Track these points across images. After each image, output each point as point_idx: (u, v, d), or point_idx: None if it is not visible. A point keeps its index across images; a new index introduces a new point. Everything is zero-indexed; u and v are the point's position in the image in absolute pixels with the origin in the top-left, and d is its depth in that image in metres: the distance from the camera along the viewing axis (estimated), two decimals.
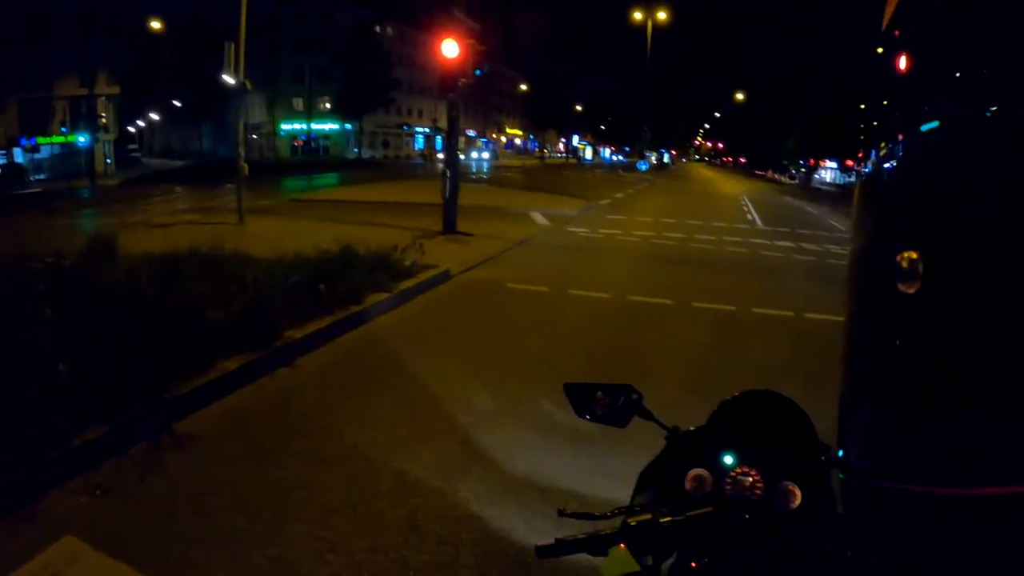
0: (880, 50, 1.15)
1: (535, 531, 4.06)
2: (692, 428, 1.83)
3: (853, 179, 75.48)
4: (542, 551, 1.52)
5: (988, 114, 0.95)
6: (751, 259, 17.36)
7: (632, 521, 1.52)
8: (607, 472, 4.68)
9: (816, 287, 14.20)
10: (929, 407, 0.99)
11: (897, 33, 1.13)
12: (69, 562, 2.83)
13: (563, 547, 1.51)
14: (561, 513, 1.68)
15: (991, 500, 0.91)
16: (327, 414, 5.57)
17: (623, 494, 4.58)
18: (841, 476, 1.28)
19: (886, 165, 1.13)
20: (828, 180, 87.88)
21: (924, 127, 1.05)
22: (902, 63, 1.07)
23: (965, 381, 0.94)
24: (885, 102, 1.17)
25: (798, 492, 1.63)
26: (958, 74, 0.98)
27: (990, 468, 0.91)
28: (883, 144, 1.14)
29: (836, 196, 60.87)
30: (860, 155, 1.27)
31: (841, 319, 9.41)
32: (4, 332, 5.18)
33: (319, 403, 5.83)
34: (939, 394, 0.97)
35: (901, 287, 0.98)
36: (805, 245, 21.20)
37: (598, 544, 1.52)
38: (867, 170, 1.14)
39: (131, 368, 5.02)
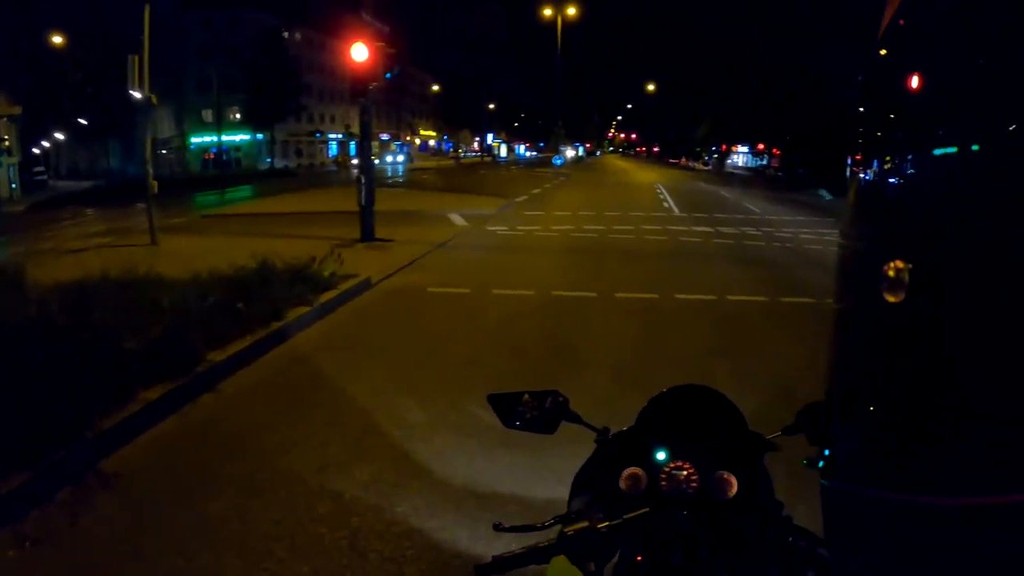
0: (882, 51, 1.13)
1: (478, 540, 4.04)
2: (623, 429, 1.81)
3: (765, 163, 77.87)
4: (481, 571, 1.50)
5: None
6: (670, 246, 17.64)
7: (569, 530, 1.50)
8: (545, 473, 4.68)
9: (736, 269, 14.53)
10: (915, 416, 0.98)
11: (898, 48, 1.12)
12: None
13: (502, 564, 1.49)
14: (497, 528, 1.64)
15: (979, 510, 0.90)
16: (256, 439, 5.40)
17: (562, 493, 4.61)
18: (824, 482, 1.27)
19: (891, 180, 1.12)
20: (740, 164, 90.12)
21: (937, 151, 1.03)
22: (914, 82, 1.05)
23: (952, 390, 0.93)
24: (892, 116, 1.15)
25: (734, 481, 1.63)
26: (977, 98, 0.97)
27: (977, 477, 0.91)
28: (888, 158, 1.13)
29: (748, 180, 62.54)
30: (859, 157, 1.24)
31: (762, 299, 9.69)
32: None
33: (247, 428, 5.65)
34: (925, 403, 0.96)
35: (887, 296, 0.97)
36: (722, 229, 21.66)
37: (539, 556, 1.51)
38: (866, 176, 1.13)
39: (49, 407, 4.78)
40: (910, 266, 0.95)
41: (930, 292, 0.94)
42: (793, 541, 1.49)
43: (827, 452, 1.32)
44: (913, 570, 1.00)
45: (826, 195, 42.33)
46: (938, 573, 0.97)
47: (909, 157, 1.10)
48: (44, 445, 4.55)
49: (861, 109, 1.29)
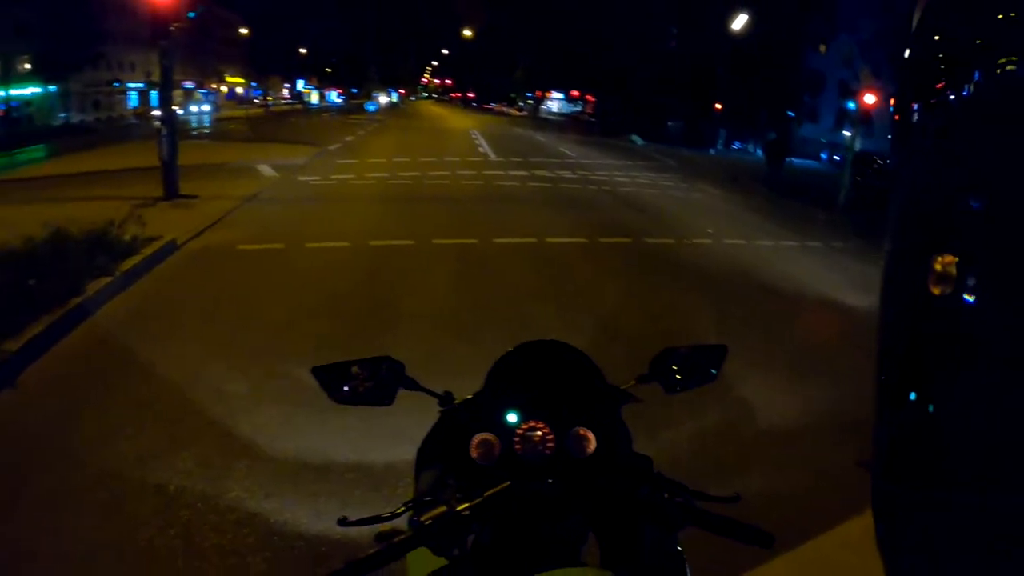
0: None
1: (320, 515, 3.89)
2: (469, 396, 1.72)
3: (580, 109, 79.52)
4: None
5: None
6: (487, 191, 17.77)
7: (426, 519, 1.38)
8: (381, 433, 4.58)
9: (553, 212, 14.84)
10: (963, 411, 0.95)
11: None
12: None
13: (357, 569, 1.34)
14: (342, 523, 1.49)
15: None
16: (64, 436, 4.86)
17: (402, 453, 4.53)
18: (880, 484, 1.22)
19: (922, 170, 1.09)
20: (555, 110, 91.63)
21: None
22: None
23: (999, 382, 0.91)
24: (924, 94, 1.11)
25: (591, 436, 1.58)
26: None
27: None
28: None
29: (563, 125, 63.77)
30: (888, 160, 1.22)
31: (581, 240, 10.00)
32: None
33: (52, 425, 5.03)
34: (973, 397, 0.94)
35: (934, 289, 0.93)
36: (538, 172, 22.02)
37: (395, 552, 1.36)
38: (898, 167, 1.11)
39: None
40: (959, 260, 0.93)
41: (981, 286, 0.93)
42: (668, 498, 1.43)
43: (882, 454, 1.28)
44: (981, 571, 0.99)
45: (639, 140, 43.86)
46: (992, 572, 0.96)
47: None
48: None
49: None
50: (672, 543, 1.57)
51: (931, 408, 1.10)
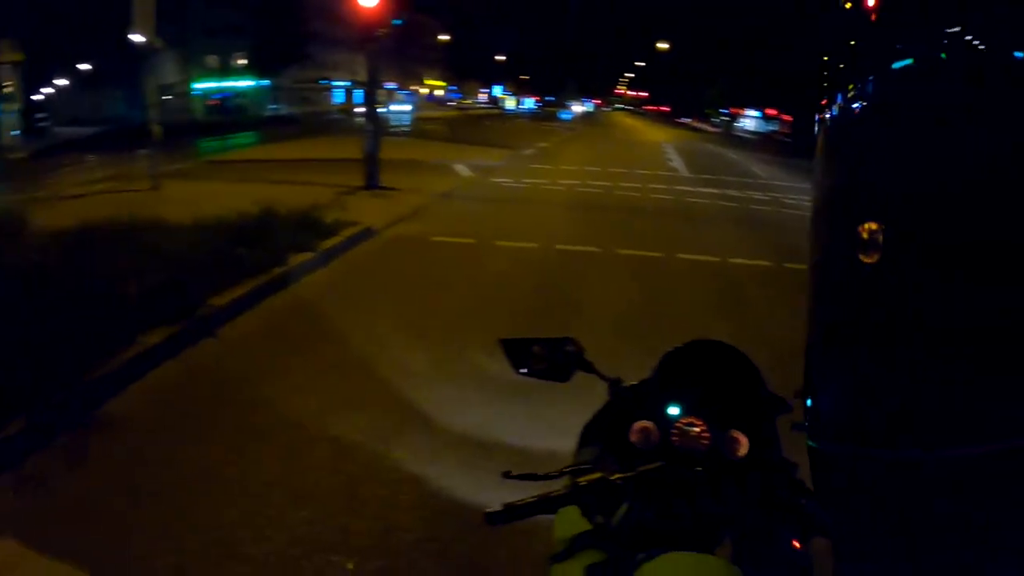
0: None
1: (477, 487, 4.01)
2: (636, 382, 1.79)
3: (775, 128, 77.35)
4: (492, 517, 1.46)
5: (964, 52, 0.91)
6: (676, 206, 17.55)
7: (582, 481, 1.48)
8: (546, 424, 4.66)
9: (740, 232, 14.46)
10: (888, 373, 0.97)
11: None
12: (7, 567, 2.66)
13: (513, 512, 1.46)
14: (506, 476, 1.61)
15: (955, 462, 0.89)
16: (255, 384, 5.37)
17: (563, 445, 4.58)
18: (810, 443, 1.25)
19: (854, 105, 1.09)
20: (750, 128, 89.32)
21: (896, 64, 1.01)
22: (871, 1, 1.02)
23: (926, 348, 0.92)
24: (852, 42, 1.12)
25: (744, 440, 1.61)
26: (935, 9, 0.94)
27: (953, 430, 0.89)
28: (851, 86, 1.10)
29: (757, 144, 62.01)
30: (824, 102, 1.20)
31: (765, 263, 9.68)
32: None
33: (246, 373, 5.62)
34: (898, 361, 0.94)
35: (862, 257, 0.95)
36: (729, 192, 21.53)
37: (549, 506, 1.48)
38: (833, 113, 1.10)
39: (48, 352, 4.73)
40: (883, 227, 0.93)
41: (904, 252, 0.93)
42: (804, 505, 1.46)
43: (809, 414, 1.31)
44: (898, 523, 1.00)
45: None
46: (922, 524, 0.97)
47: (872, 79, 1.07)
48: (43, 390, 4.51)
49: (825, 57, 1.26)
50: (804, 551, 1.58)
51: (859, 372, 1.08)
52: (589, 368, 1.83)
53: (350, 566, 3.40)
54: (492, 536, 3.60)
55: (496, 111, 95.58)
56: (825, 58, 1.23)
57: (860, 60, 1.11)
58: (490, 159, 24.59)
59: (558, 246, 11.15)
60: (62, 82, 64.90)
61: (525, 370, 1.86)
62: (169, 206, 10.71)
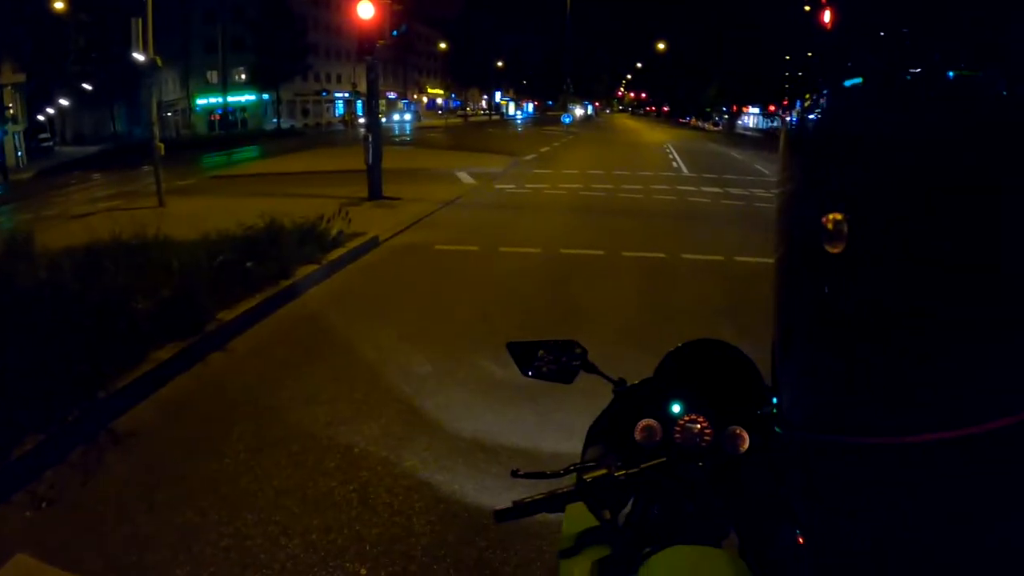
0: (807, 7, 1.14)
1: (486, 492, 4.11)
2: (638, 381, 1.84)
3: (776, 124, 77.14)
4: (501, 515, 1.52)
5: (910, 73, 0.96)
6: (679, 206, 17.55)
7: (588, 477, 1.53)
8: (553, 427, 4.76)
9: (745, 231, 14.44)
10: (854, 360, 1.01)
11: None
12: None
13: (521, 510, 1.51)
14: (515, 474, 1.66)
15: (923, 447, 0.93)
16: (266, 395, 5.46)
17: (570, 447, 4.61)
18: (777, 430, 1.30)
19: (810, 117, 1.13)
20: (751, 126, 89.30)
21: (847, 82, 1.05)
22: (826, 17, 1.06)
23: (890, 334, 0.96)
24: (810, 54, 1.16)
25: (746, 436, 1.65)
26: (882, 31, 0.98)
27: (921, 415, 0.93)
28: (807, 96, 1.14)
29: (759, 141, 61.91)
30: (785, 103, 1.22)
31: (771, 261, 9.59)
32: None
33: (257, 385, 5.70)
34: (864, 348, 0.98)
35: (827, 247, 0.99)
36: (732, 190, 21.52)
37: (556, 503, 1.53)
38: (793, 120, 1.14)
39: (62, 369, 4.81)
40: (848, 217, 0.97)
41: (868, 242, 0.97)
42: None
43: (776, 401, 1.35)
44: (871, 514, 1.03)
45: None
46: (894, 514, 1.00)
47: (827, 93, 1.12)
48: (57, 406, 4.58)
49: (787, 57, 1.29)
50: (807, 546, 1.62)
51: (822, 362, 1.11)
52: (593, 369, 1.88)
53: (364, 572, 3.45)
54: (502, 539, 3.67)
55: (497, 117, 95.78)
56: (786, 57, 1.27)
57: (817, 70, 1.16)
58: (492, 166, 24.65)
59: (562, 250, 11.18)
60: (64, 102, 65.28)
61: (531, 372, 1.92)
62: (175, 222, 10.81)
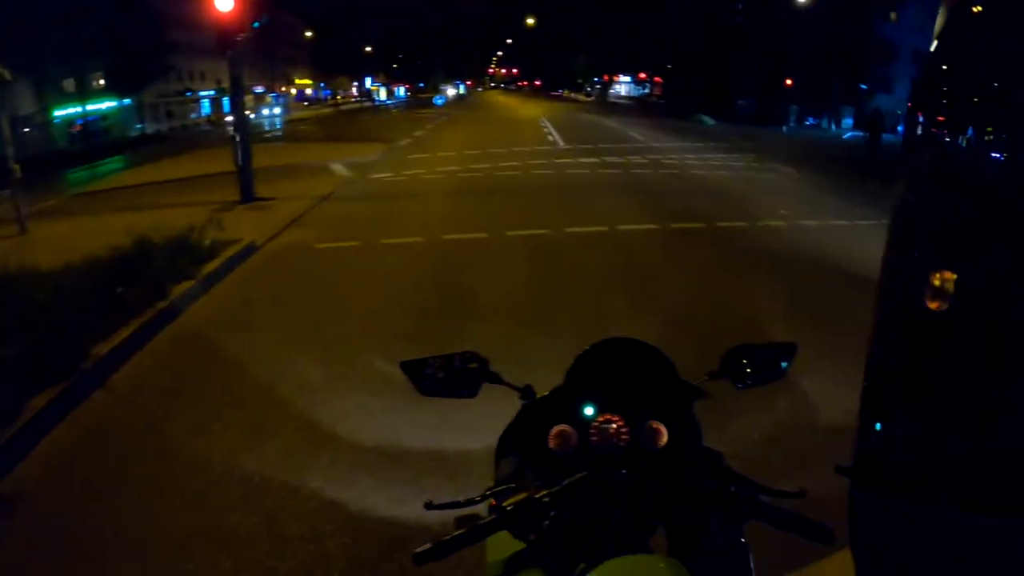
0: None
1: (397, 502, 4.02)
2: (548, 392, 1.79)
3: (648, 92, 78.62)
4: (420, 558, 1.44)
5: None
6: (558, 180, 17.72)
7: (508, 504, 1.47)
8: (457, 426, 4.67)
9: (624, 199, 14.70)
10: (954, 426, 0.97)
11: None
12: None
13: (441, 549, 1.43)
14: (428, 507, 1.60)
15: (1008, 528, 0.90)
16: (155, 433, 5.11)
17: (478, 444, 4.58)
18: (856, 493, 1.25)
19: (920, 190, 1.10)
20: (623, 94, 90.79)
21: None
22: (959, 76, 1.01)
23: (994, 395, 0.93)
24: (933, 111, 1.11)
25: (664, 430, 1.64)
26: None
27: (1011, 495, 0.90)
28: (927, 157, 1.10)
29: (632, 109, 63.16)
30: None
31: (653, 227, 9.83)
32: None
33: (143, 423, 5.33)
34: (966, 410, 0.95)
35: (931, 304, 0.95)
36: (608, 159, 21.86)
37: (477, 535, 1.46)
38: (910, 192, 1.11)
39: None
40: (955, 276, 0.94)
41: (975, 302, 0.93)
42: (734, 491, 1.48)
43: (862, 461, 1.30)
44: None
45: (708, 121, 43.13)
46: None
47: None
48: None
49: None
50: (737, 535, 1.61)
51: (916, 422, 1.10)
52: (496, 379, 1.84)
53: None
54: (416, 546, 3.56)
55: (369, 104, 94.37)
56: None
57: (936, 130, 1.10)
58: (367, 154, 24.25)
59: (445, 236, 11.13)
60: None
61: (431, 391, 1.85)
62: (40, 250, 10.13)
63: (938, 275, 0.99)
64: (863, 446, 1.28)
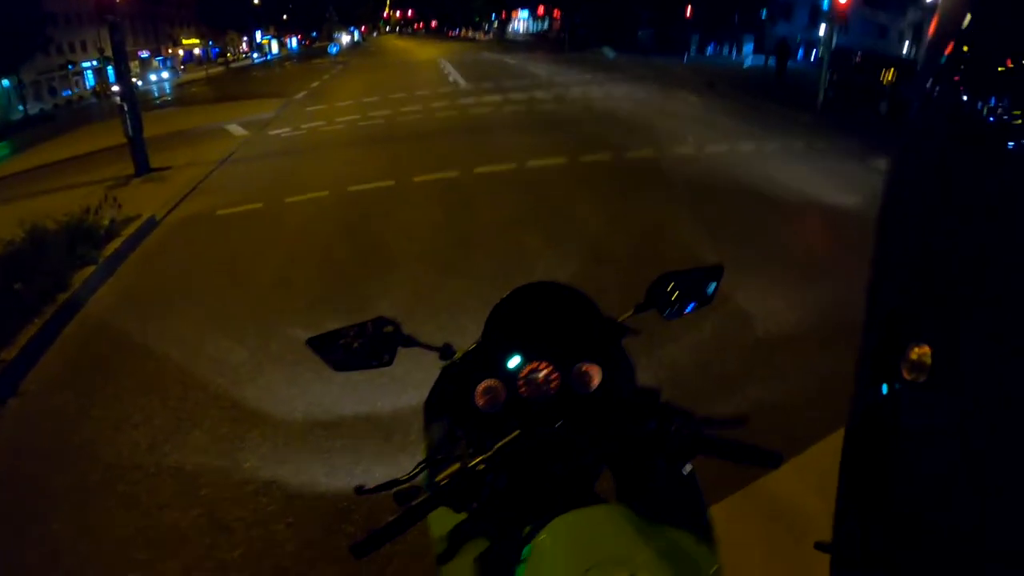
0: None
1: (337, 471, 3.96)
2: (467, 349, 1.72)
3: (547, 27, 78.06)
4: (357, 550, 1.35)
5: None
6: (462, 121, 17.53)
7: (442, 479, 1.39)
8: (383, 381, 4.65)
9: (531, 136, 14.65)
10: (927, 504, 0.94)
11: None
12: None
13: (378, 538, 1.35)
14: (359, 491, 1.50)
15: None
16: (75, 435, 4.79)
17: (407, 400, 4.52)
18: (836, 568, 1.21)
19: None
20: (522, 31, 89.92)
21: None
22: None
23: (964, 477, 0.89)
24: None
25: (595, 370, 1.61)
26: None
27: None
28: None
29: (532, 44, 62.61)
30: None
31: (560, 160, 9.89)
32: None
33: (61, 426, 4.97)
34: (938, 491, 0.92)
35: (907, 376, 0.91)
36: (512, 96, 21.71)
37: (414, 516, 1.37)
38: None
39: None
40: (931, 350, 0.91)
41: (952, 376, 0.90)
42: (676, 430, 1.43)
43: (842, 539, 1.26)
44: None
45: (610, 53, 43.07)
46: None
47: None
48: None
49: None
50: (684, 473, 1.58)
51: (895, 497, 1.08)
52: (412, 342, 1.75)
53: None
54: (370, 516, 3.52)
55: (260, 59, 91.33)
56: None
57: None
58: (263, 111, 23.43)
59: (351, 188, 10.93)
60: None
61: (345, 360, 1.75)
62: None
63: (916, 349, 0.96)
64: (843, 523, 1.27)
